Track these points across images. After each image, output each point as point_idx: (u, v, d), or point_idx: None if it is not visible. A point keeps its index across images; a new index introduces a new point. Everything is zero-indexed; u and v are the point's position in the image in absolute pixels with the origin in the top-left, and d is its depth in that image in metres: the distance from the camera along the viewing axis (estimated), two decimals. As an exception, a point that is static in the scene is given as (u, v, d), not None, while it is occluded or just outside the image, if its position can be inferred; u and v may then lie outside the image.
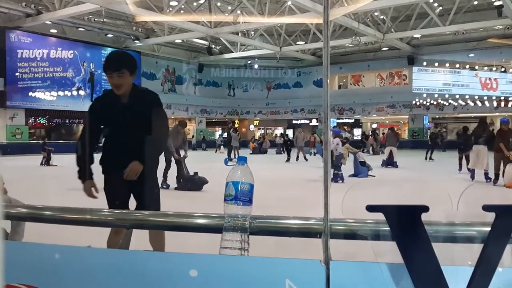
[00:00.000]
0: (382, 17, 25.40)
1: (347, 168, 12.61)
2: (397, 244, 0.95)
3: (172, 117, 34.16)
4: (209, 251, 1.17)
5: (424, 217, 0.95)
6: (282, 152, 24.76)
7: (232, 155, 21.31)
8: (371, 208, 0.94)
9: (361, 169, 12.75)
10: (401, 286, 1.00)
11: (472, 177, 11.43)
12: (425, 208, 0.92)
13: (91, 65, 28.42)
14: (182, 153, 10.31)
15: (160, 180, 9.79)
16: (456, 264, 1.00)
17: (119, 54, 3.34)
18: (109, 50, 29.16)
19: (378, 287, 1.03)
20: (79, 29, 26.37)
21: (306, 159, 19.91)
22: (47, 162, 16.84)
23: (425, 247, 0.94)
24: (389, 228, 0.99)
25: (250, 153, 25.44)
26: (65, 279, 1.20)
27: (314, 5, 19.14)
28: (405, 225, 0.94)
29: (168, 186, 9.94)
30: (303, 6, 20.10)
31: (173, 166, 10.06)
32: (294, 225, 1.23)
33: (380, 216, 0.99)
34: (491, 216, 0.92)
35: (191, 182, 9.68)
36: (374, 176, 12.66)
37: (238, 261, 1.13)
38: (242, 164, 1.22)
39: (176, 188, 9.82)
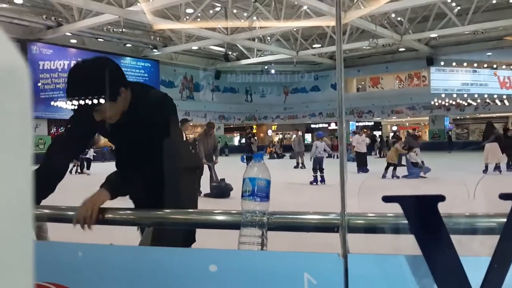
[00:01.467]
0: (399, 18, 25.20)
1: (401, 168, 13.25)
2: (415, 234, 0.96)
3: (191, 124, 34.49)
4: (228, 246, 1.19)
5: (442, 207, 0.96)
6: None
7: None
8: (387, 199, 0.95)
9: (413, 169, 12.90)
10: (419, 278, 1.00)
11: (485, 171, 12.86)
12: (442, 198, 0.92)
13: (111, 74, 28.86)
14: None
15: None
16: (474, 254, 0.99)
17: (83, 76, 2.04)
18: (128, 59, 29.58)
19: (396, 279, 1.03)
20: (98, 39, 26.79)
21: (303, 166, 18.00)
22: (79, 170, 16.91)
23: (443, 237, 0.94)
24: (406, 221, 1.00)
25: (267, 158, 25.41)
26: (88, 277, 1.23)
27: (330, 8, 19.11)
28: (422, 215, 0.95)
29: (200, 193, 9.64)
30: (319, 10, 20.09)
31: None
32: (311, 220, 1.24)
33: (396, 209, 1.00)
34: (507, 206, 0.92)
35: (218, 189, 9.58)
36: (425, 177, 12.67)
37: (257, 255, 1.15)
38: (258, 160, 1.24)
39: (205, 195, 9.62)
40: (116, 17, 20.11)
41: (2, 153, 0.33)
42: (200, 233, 1.43)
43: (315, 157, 12.32)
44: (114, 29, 24.31)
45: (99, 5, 19.12)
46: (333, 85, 34.58)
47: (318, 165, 12.15)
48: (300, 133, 21.32)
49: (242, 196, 1.21)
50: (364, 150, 15.67)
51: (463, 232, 1.12)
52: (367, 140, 17.72)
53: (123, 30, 24.41)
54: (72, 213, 1.47)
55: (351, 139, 16.43)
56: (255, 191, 1.19)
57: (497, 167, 13.08)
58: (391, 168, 13.15)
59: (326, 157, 12.70)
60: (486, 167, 13.11)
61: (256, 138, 25.82)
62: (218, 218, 1.28)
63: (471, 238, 1.15)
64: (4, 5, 21.17)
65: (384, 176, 13.04)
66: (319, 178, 12.11)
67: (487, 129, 14.42)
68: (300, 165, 18.55)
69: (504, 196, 0.92)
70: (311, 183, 12.14)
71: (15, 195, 0.34)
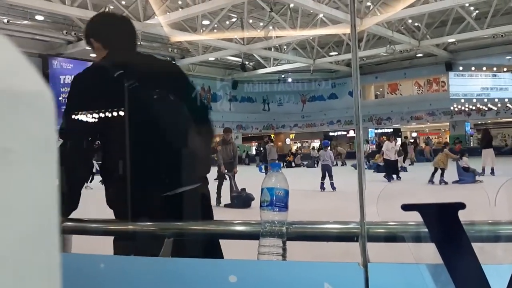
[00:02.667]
0: (416, 24, 25.03)
1: (451, 173, 12.87)
2: (435, 243, 0.95)
3: (209, 134, 34.63)
4: (247, 257, 1.19)
5: (462, 215, 0.94)
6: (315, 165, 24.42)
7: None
8: (406, 207, 0.94)
9: (464, 174, 12.76)
10: (441, 287, 0.99)
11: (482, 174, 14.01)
12: (462, 205, 0.91)
13: (130, 87, 29.25)
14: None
15: (214, 197, 9.72)
16: (497, 262, 0.98)
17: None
18: (146, 71, 29.98)
19: (418, 288, 1.02)
20: (117, 53, 27.23)
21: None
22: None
23: (464, 245, 0.93)
24: (426, 229, 0.99)
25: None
26: (110, 288, 1.25)
27: (346, 16, 19.10)
28: (442, 223, 0.94)
29: (219, 203, 9.61)
30: (334, 17, 20.10)
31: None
32: (331, 230, 1.23)
33: (417, 217, 0.99)
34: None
35: (238, 199, 9.40)
36: (481, 181, 12.55)
37: (276, 266, 1.15)
38: (276, 170, 1.25)
39: (225, 205, 9.53)
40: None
41: (28, 176, 0.35)
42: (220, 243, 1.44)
43: (321, 165, 12.90)
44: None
45: (117, 19, 19.45)
46: (351, 92, 34.42)
47: (326, 173, 12.51)
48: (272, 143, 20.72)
49: (261, 206, 1.22)
50: (394, 157, 15.10)
51: (486, 240, 1.11)
52: (397, 147, 17.20)
53: (141, 43, 24.74)
54: (94, 225, 1.49)
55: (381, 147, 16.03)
56: (274, 201, 1.19)
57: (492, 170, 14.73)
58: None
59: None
60: (483, 170, 14.74)
61: (273, 144, 25.78)
62: (237, 229, 1.29)
63: (494, 246, 1.13)
64: (26, 22, 21.69)
65: (431, 182, 12.84)
66: (328, 185, 12.39)
67: (484, 136, 16.63)
68: None
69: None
70: (321, 189, 12.49)
71: (42, 217, 0.35)
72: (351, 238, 1.18)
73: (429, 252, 1.01)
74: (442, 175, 12.89)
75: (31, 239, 0.34)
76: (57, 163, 0.38)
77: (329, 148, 13.76)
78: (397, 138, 34.94)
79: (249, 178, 11.02)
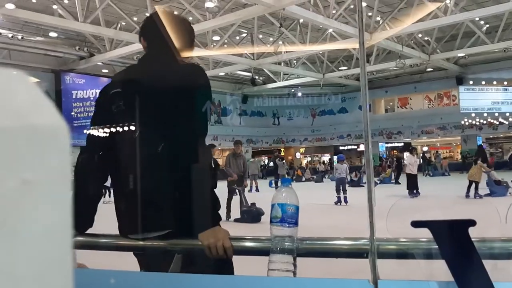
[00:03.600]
0: (426, 38, 25.03)
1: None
2: (446, 260, 0.94)
3: (219, 148, 34.74)
4: (257, 273, 1.19)
5: (472, 232, 0.94)
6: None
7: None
8: (416, 224, 0.94)
9: (496, 188, 12.82)
10: (452, 305, 0.98)
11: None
12: (472, 222, 0.91)
13: (141, 101, 29.47)
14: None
15: (224, 211, 9.71)
16: (510, 280, 0.97)
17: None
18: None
19: (429, 306, 1.01)
20: (129, 68, 27.53)
21: (257, 190, 19.43)
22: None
23: (475, 262, 0.92)
24: (437, 246, 0.98)
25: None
26: (121, 303, 1.25)
27: (356, 30, 19.06)
28: (453, 240, 0.93)
29: (229, 218, 9.61)
30: (344, 32, 20.17)
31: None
32: (340, 246, 1.23)
33: (427, 234, 0.98)
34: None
35: (248, 214, 9.34)
36: None
37: (286, 282, 1.15)
38: (286, 185, 1.25)
39: (235, 220, 9.48)
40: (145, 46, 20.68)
41: (45, 206, 0.37)
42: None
43: (336, 179, 13.01)
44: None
45: (129, 35, 19.70)
46: (361, 106, 34.27)
47: (340, 186, 12.62)
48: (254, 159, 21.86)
49: (271, 222, 1.22)
50: (416, 171, 14.50)
51: (499, 257, 1.10)
52: (418, 161, 16.79)
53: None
54: (105, 240, 1.50)
55: (404, 159, 15.48)
56: (284, 217, 1.20)
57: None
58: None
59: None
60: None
61: (284, 161, 25.75)
62: (247, 244, 1.29)
63: (507, 263, 1.12)
64: (39, 38, 22.06)
65: (467, 196, 12.86)
66: (342, 199, 12.53)
67: (478, 152, 17.80)
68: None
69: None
70: (335, 203, 12.56)
71: (56, 249, 0.38)
72: (361, 255, 1.17)
73: (440, 269, 1.00)
74: (476, 188, 12.83)
75: (45, 266, 0.36)
76: (72, 192, 0.41)
77: (344, 161, 13.92)
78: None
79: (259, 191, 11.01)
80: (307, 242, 1.22)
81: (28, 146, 0.37)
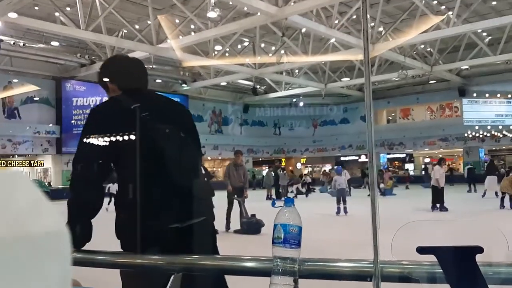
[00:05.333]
0: (428, 49, 25.08)
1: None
2: (451, 285, 0.92)
3: (220, 158, 34.70)
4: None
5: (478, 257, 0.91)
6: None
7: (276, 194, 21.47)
8: (422, 250, 0.91)
9: None
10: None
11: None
12: (480, 249, 0.89)
13: (142, 109, 29.49)
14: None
15: (223, 222, 9.68)
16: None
17: None
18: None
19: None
20: (130, 76, 27.59)
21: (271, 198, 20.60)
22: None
23: (482, 290, 0.90)
24: (441, 270, 0.95)
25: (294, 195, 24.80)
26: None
27: (358, 41, 19.21)
28: (459, 267, 0.91)
29: (228, 229, 9.57)
30: (346, 42, 20.23)
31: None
32: (343, 268, 1.20)
33: (432, 257, 0.96)
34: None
35: (248, 225, 9.24)
36: None
37: (287, 305, 1.11)
38: (289, 205, 1.22)
39: (235, 231, 9.39)
40: (146, 54, 20.76)
41: None
42: (229, 279, 1.41)
43: (337, 190, 13.33)
44: (145, 65, 25.05)
45: (130, 43, 19.78)
46: (363, 117, 34.39)
47: (341, 197, 12.95)
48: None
49: (273, 242, 1.19)
50: (443, 184, 13.66)
51: (504, 282, 1.07)
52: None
53: (153, 66, 25.08)
54: (101, 257, 1.47)
55: (431, 171, 14.62)
56: (287, 238, 1.17)
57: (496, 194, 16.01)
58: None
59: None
60: (484, 193, 17.53)
61: (286, 172, 25.69)
62: (247, 265, 1.26)
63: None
64: (41, 45, 22.15)
65: (502, 207, 13.08)
66: (342, 209, 12.79)
67: (489, 166, 19.33)
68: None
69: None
70: (336, 214, 12.79)
71: None
72: (364, 278, 1.14)
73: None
74: (511, 200, 13.08)
75: None
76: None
77: (342, 173, 14.29)
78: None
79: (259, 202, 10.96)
80: (309, 263, 1.19)
81: (27, 256, 0.36)
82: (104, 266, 1.48)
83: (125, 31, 20.44)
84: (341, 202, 12.85)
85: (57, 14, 17.57)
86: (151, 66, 25.36)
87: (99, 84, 2.22)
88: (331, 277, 1.21)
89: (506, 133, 27.67)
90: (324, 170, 33.06)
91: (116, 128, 1.85)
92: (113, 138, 1.84)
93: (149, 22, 19.20)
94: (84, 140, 1.89)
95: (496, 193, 16.86)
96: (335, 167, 18.06)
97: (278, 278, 1.15)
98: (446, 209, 13.03)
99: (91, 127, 1.94)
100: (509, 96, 27.53)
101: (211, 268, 1.36)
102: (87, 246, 1.68)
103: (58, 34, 19.86)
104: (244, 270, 1.27)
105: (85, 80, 26.41)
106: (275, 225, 1.19)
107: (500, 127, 27.57)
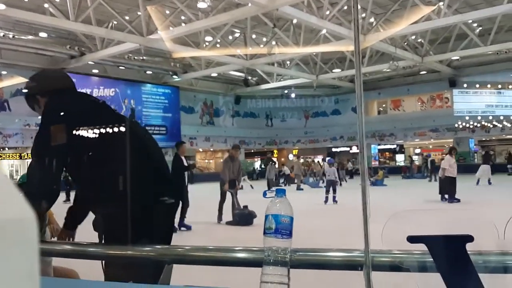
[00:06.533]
0: (419, 40, 25.13)
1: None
2: (442, 276, 0.92)
3: (212, 149, 34.66)
4: (249, 285, 1.16)
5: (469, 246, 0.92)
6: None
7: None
8: (413, 239, 0.92)
9: None
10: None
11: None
12: (470, 238, 0.89)
13: (132, 101, 29.35)
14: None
15: (215, 214, 9.80)
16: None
17: None
18: (148, 86, 30.13)
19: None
20: (120, 67, 27.39)
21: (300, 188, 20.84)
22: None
23: (471, 278, 0.90)
24: (432, 259, 0.96)
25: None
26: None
27: (349, 32, 19.20)
28: (450, 256, 0.91)
29: (220, 220, 9.70)
30: (337, 33, 20.21)
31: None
32: (335, 258, 1.20)
33: (423, 246, 0.96)
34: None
35: (241, 216, 9.29)
36: None
37: (279, 295, 1.11)
38: (280, 196, 1.22)
39: (227, 223, 9.48)
40: (137, 45, 20.59)
41: None
42: (221, 270, 1.41)
43: (326, 180, 14.41)
44: (135, 57, 24.86)
45: (120, 34, 19.61)
46: (354, 108, 34.25)
47: (330, 187, 13.85)
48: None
49: (265, 233, 1.19)
50: (456, 174, 13.11)
51: (497, 271, 1.07)
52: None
53: (144, 57, 24.92)
54: (93, 249, 1.47)
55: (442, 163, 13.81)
56: (278, 229, 1.17)
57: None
58: None
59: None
60: (478, 181, 18.90)
61: (273, 164, 25.78)
62: (239, 256, 1.26)
63: (505, 277, 1.10)
64: (30, 37, 21.89)
65: None
66: (331, 198, 13.68)
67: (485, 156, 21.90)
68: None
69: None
70: (324, 202, 13.67)
71: None
72: (355, 267, 1.15)
73: (435, 283, 0.98)
74: None
75: None
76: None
77: (333, 164, 15.05)
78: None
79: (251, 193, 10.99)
80: (301, 253, 1.19)
81: None
82: (96, 258, 1.47)
83: (115, 22, 20.23)
84: (330, 192, 13.65)
85: (46, 5, 17.34)
86: (141, 58, 25.23)
87: (29, 100, 2.39)
88: (323, 266, 1.21)
89: (496, 123, 27.90)
90: (307, 161, 33.34)
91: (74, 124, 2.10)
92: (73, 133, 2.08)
93: (139, 13, 19.01)
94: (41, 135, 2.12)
95: (489, 180, 19.01)
96: (327, 158, 18.65)
97: (269, 268, 1.15)
98: (458, 200, 12.62)
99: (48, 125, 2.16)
100: (499, 86, 27.72)
101: (203, 259, 1.35)
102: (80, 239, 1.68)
103: (47, 26, 19.62)
104: (236, 261, 1.27)
105: (75, 72, 26.10)
106: (266, 216, 1.18)
107: (490, 117, 27.78)
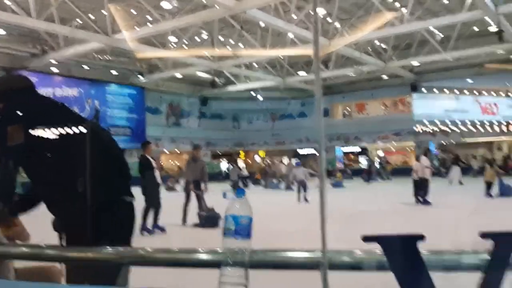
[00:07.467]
0: (383, 46, 25.67)
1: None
2: (395, 274, 0.95)
3: (178, 151, 34.34)
4: (209, 286, 1.16)
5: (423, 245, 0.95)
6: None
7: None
8: (367, 239, 0.94)
9: (506, 189, 14.29)
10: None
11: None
12: (421, 237, 0.92)
13: (96, 102, 28.77)
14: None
15: (180, 216, 9.70)
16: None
17: None
18: (113, 86, 29.59)
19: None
20: (84, 67, 26.83)
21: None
22: None
23: (423, 277, 0.93)
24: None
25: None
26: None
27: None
28: (402, 254, 0.94)
29: (185, 222, 9.65)
30: (304, 37, 20.42)
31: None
32: (293, 258, 1.22)
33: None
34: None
35: (207, 219, 9.23)
36: None
37: (238, 296, 1.12)
38: (240, 196, 1.23)
39: (194, 225, 9.41)
40: (102, 45, 20.21)
41: None
42: (182, 272, 1.40)
43: (297, 181, 15.41)
44: (100, 57, 24.39)
45: (85, 33, 19.21)
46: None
47: (300, 187, 14.98)
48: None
49: (224, 234, 1.19)
50: (428, 175, 13.34)
51: (448, 269, 1.11)
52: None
53: (109, 57, 24.49)
54: (51, 251, 1.44)
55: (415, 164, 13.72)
56: (238, 230, 1.17)
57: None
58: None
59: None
60: (451, 182, 20.73)
61: (234, 166, 25.90)
62: (199, 257, 1.26)
63: (457, 275, 1.14)
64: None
65: (489, 195, 14.16)
66: (302, 197, 14.76)
67: (454, 159, 23.61)
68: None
69: (485, 235, 0.92)
70: (297, 200, 14.79)
71: None
72: (313, 267, 1.16)
73: (391, 281, 1.00)
74: (491, 189, 14.32)
75: None
76: None
77: (300, 166, 16.37)
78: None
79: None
80: (260, 254, 1.20)
81: None
82: (55, 260, 1.44)
83: (79, 21, 19.80)
84: (301, 192, 14.81)
85: (7, 2, 16.80)
86: (106, 57, 24.78)
87: None
88: (281, 267, 1.23)
89: (453, 128, 28.89)
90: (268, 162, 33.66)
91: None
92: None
93: (104, 12, 18.67)
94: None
95: (460, 181, 20.66)
96: (295, 160, 19.82)
97: (228, 270, 1.16)
98: (429, 203, 12.76)
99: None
100: (457, 92, 28.68)
101: (163, 260, 1.35)
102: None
103: (8, 23, 19.00)
104: (196, 262, 1.27)
105: (37, 71, 25.44)
106: (226, 217, 1.19)
107: (448, 122, 28.73)
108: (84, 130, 2.03)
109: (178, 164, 32.73)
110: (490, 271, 0.93)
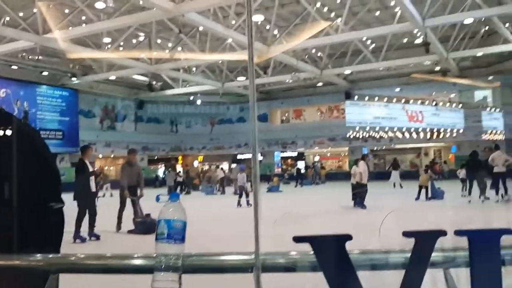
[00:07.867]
0: (319, 54, 26.39)
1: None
2: (324, 273, 0.98)
3: (112, 156, 33.34)
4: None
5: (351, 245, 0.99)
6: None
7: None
8: (298, 239, 0.97)
9: (437, 193, 15.13)
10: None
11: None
12: (349, 237, 0.96)
13: (25, 103, 27.36)
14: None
15: (114, 222, 9.39)
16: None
17: None
18: (44, 88, 28.29)
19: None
20: (12, 67, 25.46)
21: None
22: None
23: (350, 275, 0.97)
24: (317, 259, 1.01)
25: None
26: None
27: (255, 43, 19.57)
28: (330, 254, 0.97)
29: (119, 229, 9.39)
30: (243, 43, 20.57)
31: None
32: (226, 261, 1.22)
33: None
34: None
35: (143, 225, 8.95)
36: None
37: (170, 301, 1.11)
38: (174, 200, 1.21)
39: (129, 232, 9.14)
40: (31, 44, 19.27)
41: None
42: (115, 278, 1.37)
43: (238, 186, 15.68)
44: (30, 56, 23.25)
45: (13, 31, 18.24)
46: (259, 116, 35.23)
47: (242, 192, 15.11)
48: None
49: (157, 238, 1.18)
50: (365, 180, 13.45)
51: (378, 268, 1.16)
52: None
53: (40, 57, 23.40)
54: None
55: (353, 169, 14.08)
56: (171, 234, 1.16)
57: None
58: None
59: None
60: (394, 185, 22.18)
61: (170, 171, 25.67)
62: (131, 263, 1.23)
63: (385, 274, 1.19)
64: None
65: (418, 198, 14.91)
66: (244, 202, 14.89)
67: (393, 163, 24.24)
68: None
69: (407, 234, 0.97)
70: (237, 205, 14.93)
71: None
72: (246, 269, 1.17)
73: (323, 282, 1.03)
74: (426, 192, 14.99)
75: None
76: None
77: (244, 171, 16.27)
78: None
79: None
80: (193, 258, 1.20)
81: None
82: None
83: (7, 18, 18.76)
84: (242, 196, 15.01)
85: None
86: (36, 57, 23.66)
87: None
88: (216, 270, 1.23)
89: (382, 135, 30.35)
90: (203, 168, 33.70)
91: None
92: None
93: (35, 10, 17.83)
94: None
95: (400, 185, 21.87)
96: (238, 165, 20.19)
97: (160, 275, 1.14)
98: (365, 207, 12.97)
99: None
100: (386, 100, 30.17)
101: (94, 267, 1.31)
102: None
103: None
104: (129, 268, 1.24)
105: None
106: (158, 221, 1.17)
107: (377, 128, 30.14)
108: (9, 131, 1.90)
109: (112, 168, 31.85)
110: (412, 268, 0.99)
